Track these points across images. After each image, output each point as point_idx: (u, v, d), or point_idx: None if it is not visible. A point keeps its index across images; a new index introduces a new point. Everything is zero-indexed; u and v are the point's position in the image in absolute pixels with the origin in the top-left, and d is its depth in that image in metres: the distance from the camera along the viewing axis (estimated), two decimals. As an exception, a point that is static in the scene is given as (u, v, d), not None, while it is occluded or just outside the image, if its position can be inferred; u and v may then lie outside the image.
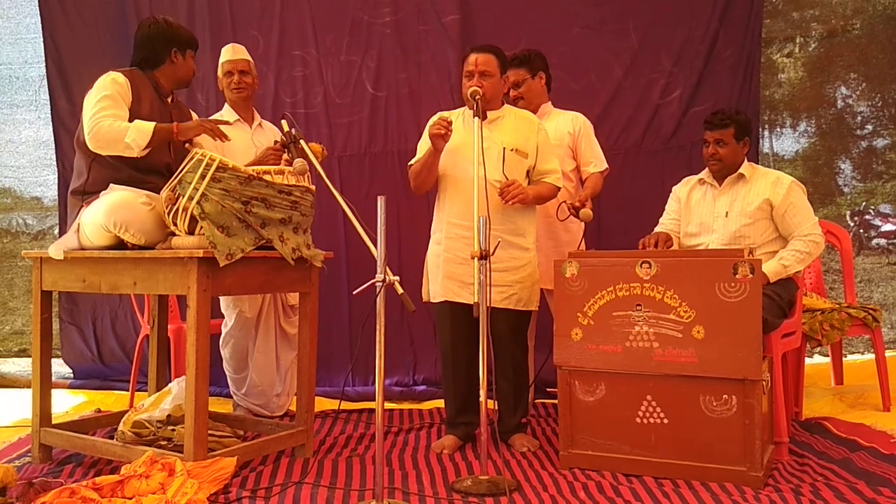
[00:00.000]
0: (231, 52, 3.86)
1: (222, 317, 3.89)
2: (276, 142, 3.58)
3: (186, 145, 3.17)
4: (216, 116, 3.84)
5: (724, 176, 3.44)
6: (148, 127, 2.93)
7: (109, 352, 4.93)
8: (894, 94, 4.92)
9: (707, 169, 3.49)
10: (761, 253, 3.28)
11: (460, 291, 3.22)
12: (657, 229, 3.56)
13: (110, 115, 2.93)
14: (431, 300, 3.37)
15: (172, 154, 3.12)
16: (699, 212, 3.48)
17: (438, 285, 3.29)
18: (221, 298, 3.84)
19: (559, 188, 3.38)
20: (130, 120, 2.97)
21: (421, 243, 3.55)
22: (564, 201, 3.46)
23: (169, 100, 3.24)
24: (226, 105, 3.90)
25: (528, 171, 3.31)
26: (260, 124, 3.94)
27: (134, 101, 3.05)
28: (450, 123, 3.10)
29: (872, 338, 3.79)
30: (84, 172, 3.04)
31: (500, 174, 3.19)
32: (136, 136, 2.90)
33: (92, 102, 2.98)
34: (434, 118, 3.18)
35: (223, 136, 3.07)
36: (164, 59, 3.18)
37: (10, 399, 4.51)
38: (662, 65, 4.51)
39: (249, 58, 3.89)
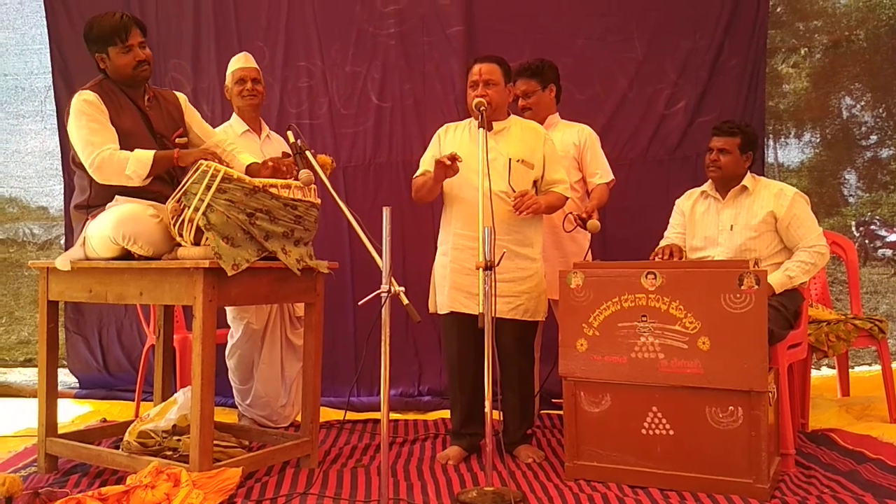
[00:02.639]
0: (244, 60, 3.89)
1: (228, 327, 3.90)
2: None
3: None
4: (225, 126, 3.87)
5: (723, 185, 3.44)
6: (147, 157, 2.88)
7: (115, 362, 4.94)
8: (899, 104, 4.93)
9: (709, 181, 3.49)
10: (767, 265, 3.27)
11: (467, 302, 3.22)
12: (663, 243, 3.55)
13: (102, 142, 2.88)
14: (438, 311, 3.37)
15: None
16: (704, 225, 3.47)
17: (445, 296, 3.29)
18: (228, 310, 3.85)
19: (567, 198, 3.39)
20: (118, 134, 2.93)
21: (426, 254, 3.56)
22: (570, 213, 3.46)
23: (146, 98, 3.09)
24: (234, 115, 3.91)
25: (535, 182, 3.31)
26: (268, 135, 3.96)
27: (112, 113, 2.97)
28: (456, 163, 3.09)
29: (879, 349, 3.77)
30: (87, 188, 3.00)
31: (506, 185, 3.19)
32: (136, 167, 2.86)
33: (78, 134, 2.91)
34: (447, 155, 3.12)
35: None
36: (98, 63, 3.04)
37: (15, 408, 4.52)
38: (667, 75, 4.51)
39: (258, 67, 3.94)
